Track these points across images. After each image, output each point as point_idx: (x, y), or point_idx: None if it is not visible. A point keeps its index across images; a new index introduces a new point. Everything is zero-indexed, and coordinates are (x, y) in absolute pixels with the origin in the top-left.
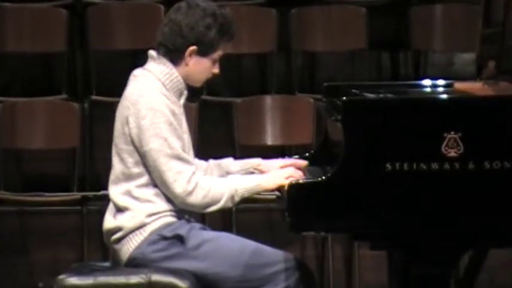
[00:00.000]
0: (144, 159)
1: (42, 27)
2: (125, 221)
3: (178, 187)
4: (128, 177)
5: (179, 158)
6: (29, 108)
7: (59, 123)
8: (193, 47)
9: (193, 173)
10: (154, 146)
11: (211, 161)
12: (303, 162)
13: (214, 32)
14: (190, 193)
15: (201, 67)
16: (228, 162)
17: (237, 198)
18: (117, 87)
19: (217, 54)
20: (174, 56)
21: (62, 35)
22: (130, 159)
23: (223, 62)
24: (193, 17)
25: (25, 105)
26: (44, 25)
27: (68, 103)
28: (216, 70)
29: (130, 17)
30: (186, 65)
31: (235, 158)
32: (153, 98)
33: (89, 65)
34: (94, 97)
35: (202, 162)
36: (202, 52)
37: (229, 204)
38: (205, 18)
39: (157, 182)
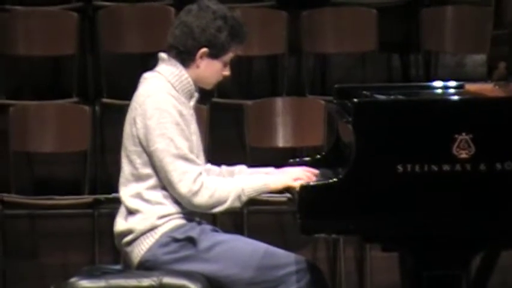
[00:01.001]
0: (151, 160)
1: (52, 30)
2: (136, 223)
3: (184, 187)
4: (138, 178)
5: (185, 158)
6: (39, 111)
7: (69, 127)
8: (204, 49)
9: (200, 173)
10: (160, 146)
11: (224, 167)
12: (315, 171)
13: (225, 35)
14: (195, 193)
15: (212, 69)
16: (241, 170)
17: (244, 198)
18: (128, 90)
19: (228, 56)
20: (185, 58)
21: (73, 38)
22: (139, 160)
23: (234, 64)
24: (204, 19)
25: (36, 109)
26: (55, 28)
27: (79, 106)
28: (226, 72)
29: (141, 20)
30: (197, 67)
31: (246, 160)
32: (159, 98)
33: (100, 68)
34: (105, 100)
35: (215, 168)
36: (214, 54)
37: (237, 204)
38: (216, 21)
39: (164, 182)
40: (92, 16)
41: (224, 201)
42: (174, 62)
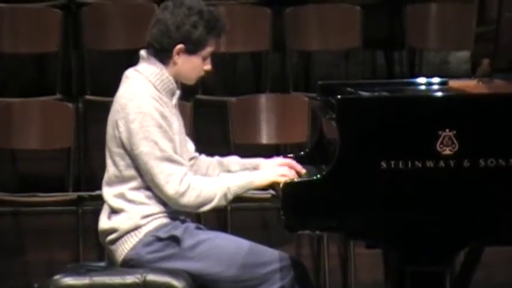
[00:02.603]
0: (135, 163)
1: (36, 27)
2: (119, 222)
3: (171, 189)
4: (121, 180)
5: (170, 160)
6: (23, 108)
7: (53, 124)
8: (180, 46)
9: (185, 174)
10: (144, 149)
11: (216, 158)
12: (302, 169)
13: (201, 30)
14: (182, 194)
15: (191, 65)
16: (230, 161)
17: (230, 196)
18: (112, 87)
19: (207, 51)
20: (163, 55)
21: (56, 35)
22: (122, 162)
23: (218, 61)
24: (179, 16)
25: (20, 106)
26: (39, 25)
27: (63, 103)
28: (208, 67)
29: (125, 17)
30: (175, 64)
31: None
32: (141, 102)
33: (84, 65)
34: (88, 97)
35: (207, 159)
36: (190, 50)
37: (223, 203)
38: (191, 17)
39: (150, 184)
40: (76, 13)
41: (211, 200)
42: (153, 60)
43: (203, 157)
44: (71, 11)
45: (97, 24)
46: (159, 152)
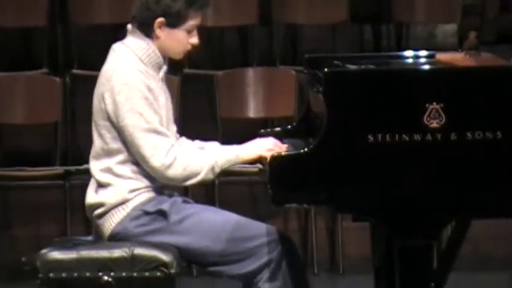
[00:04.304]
0: (121, 135)
1: (23, 1)
2: (107, 196)
3: (157, 161)
4: (108, 153)
5: (156, 132)
6: (9, 82)
7: (40, 98)
8: (160, 19)
9: (172, 145)
10: (129, 121)
11: (197, 142)
12: (283, 146)
13: (180, 3)
14: (168, 166)
15: (174, 39)
16: (212, 147)
17: (217, 170)
18: (99, 61)
19: (190, 24)
20: (145, 29)
21: (43, 9)
22: (109, 135)
23: (205, 35)
24: None
25: (6, 80)
26: None
27: (49, 77)
28: (194, 41)
29: None
30: (158, 37)
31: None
32: (127, 74)
33: (70, 39)
34: (75, 71)
35: (187, 142)
36: (171, 24)
37: (210, 176)
38: None
39: (136, 157)
40: None
41: (198, 173)
42: (139, 34)
43: (184, 139)
44: None
45: None
46: (144, 124)
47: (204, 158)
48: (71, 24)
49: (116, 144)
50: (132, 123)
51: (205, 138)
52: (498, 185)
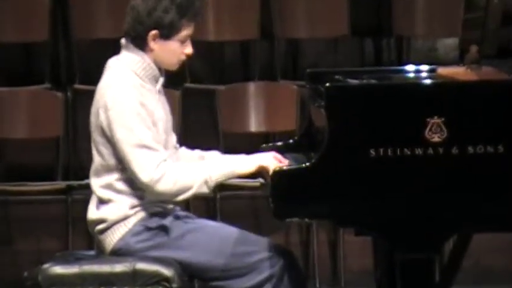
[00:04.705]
0: (115, 151)
1: (24, 16)
2: (108, 213)
3: (146, 176)
4: (107, 169)
5: (146, 147)
6: (12, 97)
7: (42, 113)
8: (154, 32)
9: (163, 160)
10: (120, 136)
11: (197, 152)
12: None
13: (172, 14)
14: (157, 181)
15: (168, 50)
16: (213, 156)
17: (211, 184)
18: (100, 76)
19: (183, 35)
20: (139, 42)
21: (45, 23)
22: (106, 151)
23: (206, 49)
24: (150, 2)
25: (8, 95)
26: (27, 14)
27: (51, 92)
28: (188, 51)
29: (114, 6)
30: (152, 50)
31: (219, 145)
32: (119, 89)
33: (72, 53)
34: (77, 86)
35: (187, 151)
36: (165, 35)
37: (204, 190)
38: (162, 2)
39: (128, 172)
40: (64, 2)
41: (189, 188)
42: (132, 48)
43: (184, 150)
44: None
45: (86, 13)
46: (135, 139)
47: (196, 172)
48: (72, 39)
49: (114, 160)
50: (122, 138)
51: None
52: (500, 199)
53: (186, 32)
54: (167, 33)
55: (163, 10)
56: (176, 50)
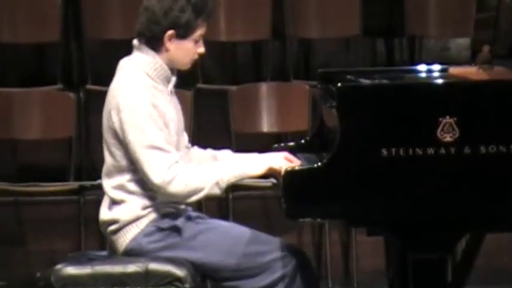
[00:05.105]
0: (127, 152)
1: (36, 16)
2: (120, 213)
3: (157, 177)
4: (119, 170)
5: (158, 149)
6: (24, 98)
7: (54, 113)
8: (170, 32)
9: (174, 162)
10: (132, 137)
11: (209, 151)
12: (297, 161)
13: (189, 13)
14: (169, 182)
15: (183, 50)
16: (225, 155)
17: (223, 185)
18: (112, 77)
19: (197, 34)
20: (154, 43)
21: (57, 24)
22: (118, 153)
23: (218, 49)
24: (166, 2)
25: (20, 96)
26: (39, 14)
27: (63, 93)
28: (201, 50)
29: (125, 6)
30: (167, 50)
31: (231, 145)
32: (131, 91)
33: (84, 54)
34: (89, 86)
35: (199, 151)
36: (181, 35)
37: (216, 191)
38: (178, 1)
39: (140, 173)
40: (76, 2)
41: (201, 190)
42: (145, 49)
43: (196, 149)
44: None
45: (98, 13)
46: (147, 141)
47: (208, 174)
48: (85, 40)
49: (126, 162)
50: (134, 139)
51: None
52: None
53: (200, 31)
54: (183, 33)
55: (179, 10)
56: (190, 50)
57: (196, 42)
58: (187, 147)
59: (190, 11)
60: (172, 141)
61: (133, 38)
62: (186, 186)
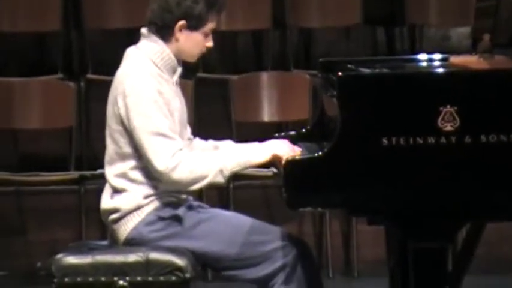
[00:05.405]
0: (131, 138)
1: (36, 6)
2: (122, 202)
3: (161, 164)
4: (122, 157)
5: (163, 135)
6: (24, 88)
7: (55, 103)
8: (182, 22)
9: (179, 149)
10: (138, 124)
11: (210, 142)
12: (297, 149)
13: (202, 5)
14: (173, 169)
15: (192, 41)
16: (227, 146)
17: (226, 173)
18: (113, 66)
19: (208, 27)
20: (164, 32)
21: (57, 14)
22: (122, 139)
23: (219, 39)
24: None
25: (21, 85)
26: (39, 4)
27: (64, 82)
28: (209, 44)
29: None
30: (177, 40)
31: (232, 134)
32: (138, 78)
33: (85, 43)
34: (90, 76)
35: (201, 142)
36: (192, 26)
37: (219, 179)
38: None
39: (144, 161)
40: None
41: (205, 177)
42: (154, 37)
43: (198, 140)
44: None
45: (98, 2)
46: (152, 127)
47: (211, 162)
48: (85, 29)
49: (130, 149)
50: (140, 126)
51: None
52: None
53: (211, 25)
54: (195, 24)
55: (193, 1)
56: (200, 42)
57: (206, 35)
58: (189, 139)
59: (203, 3)
60: (176, 130)
61: (133, 28)
62: (189, 174)
